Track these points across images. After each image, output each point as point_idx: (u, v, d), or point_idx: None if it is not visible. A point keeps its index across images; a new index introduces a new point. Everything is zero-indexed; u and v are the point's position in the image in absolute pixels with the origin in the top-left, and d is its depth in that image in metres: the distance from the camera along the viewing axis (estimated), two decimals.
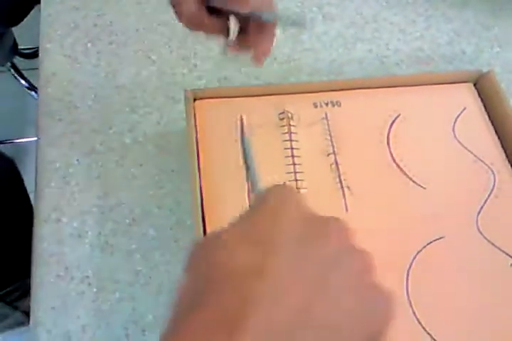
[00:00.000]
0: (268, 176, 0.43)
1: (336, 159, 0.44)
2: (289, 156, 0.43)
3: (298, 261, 0.23)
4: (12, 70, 1.15)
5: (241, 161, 0.44)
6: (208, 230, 0.40)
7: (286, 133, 0.44)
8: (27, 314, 0.95)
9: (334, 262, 0.24)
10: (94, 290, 0.42)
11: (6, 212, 0.81)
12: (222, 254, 0.24)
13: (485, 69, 0.48)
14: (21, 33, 0.97)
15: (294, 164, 0.42)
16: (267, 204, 0.26)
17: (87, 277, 0.43)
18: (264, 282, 0.22)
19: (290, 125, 0.44)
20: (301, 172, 0.42)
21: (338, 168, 0.43)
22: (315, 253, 0.24)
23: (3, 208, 0.81)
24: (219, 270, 0.23)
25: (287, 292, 0.22)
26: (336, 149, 0.44)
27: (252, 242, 0.24)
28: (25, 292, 0.92)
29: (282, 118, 0.45)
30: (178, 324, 0.22)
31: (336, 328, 0.22)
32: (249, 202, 0.31)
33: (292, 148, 0.44)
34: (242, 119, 0.46)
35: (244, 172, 0.43)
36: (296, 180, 0.41)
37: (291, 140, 0.44)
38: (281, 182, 0.27)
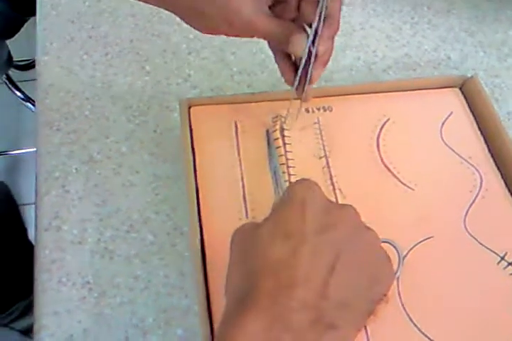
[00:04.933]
0: (263, 176, 0.44)
1: (327, 162, 0.45)
2: (283, 159, 0.44)
3: (318, 248, 0.29)
4: (7, 82, 1.16)
5: (236, 166, 0.45)
6: (205, 235, 0.41)
7: (279, 136, 0.45)
8: (24, 333, 0.96)
9: (347, 243, 0.30)
10: (95, 294, 0.43)
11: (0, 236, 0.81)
12: (259, 248, 0.30)
13: (470, 74, 0.50)
14: (14, 45, 0.98)
15: (288, 166, 0.44)
16: (293, 198, 0.31)
17: (88, 282, 0.44)
18: (295, 270, 0.28)
19: (283, 129, 0.46)
20: (294, 174, 0.43)
21: (329, 171, 0.44)
22: (331, 238, 0.30)
23: None
24: (259, 261, 0.30)
25: (309, 277, 0.28)
26: (327, 152, 0.46)
27: (283, 236, 0.30)
28: (22, 313, 0.92)
29: (275, 122, 0.46)
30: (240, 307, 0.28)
31: (349, 301, 0.29)
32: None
33: (286, 151, 0.45)
34: (236, 125, 0.47)
35: (239, 177, 0.44)
36: (290, 182, 0.42)
37: (284, 143, 0.45)
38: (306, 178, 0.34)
